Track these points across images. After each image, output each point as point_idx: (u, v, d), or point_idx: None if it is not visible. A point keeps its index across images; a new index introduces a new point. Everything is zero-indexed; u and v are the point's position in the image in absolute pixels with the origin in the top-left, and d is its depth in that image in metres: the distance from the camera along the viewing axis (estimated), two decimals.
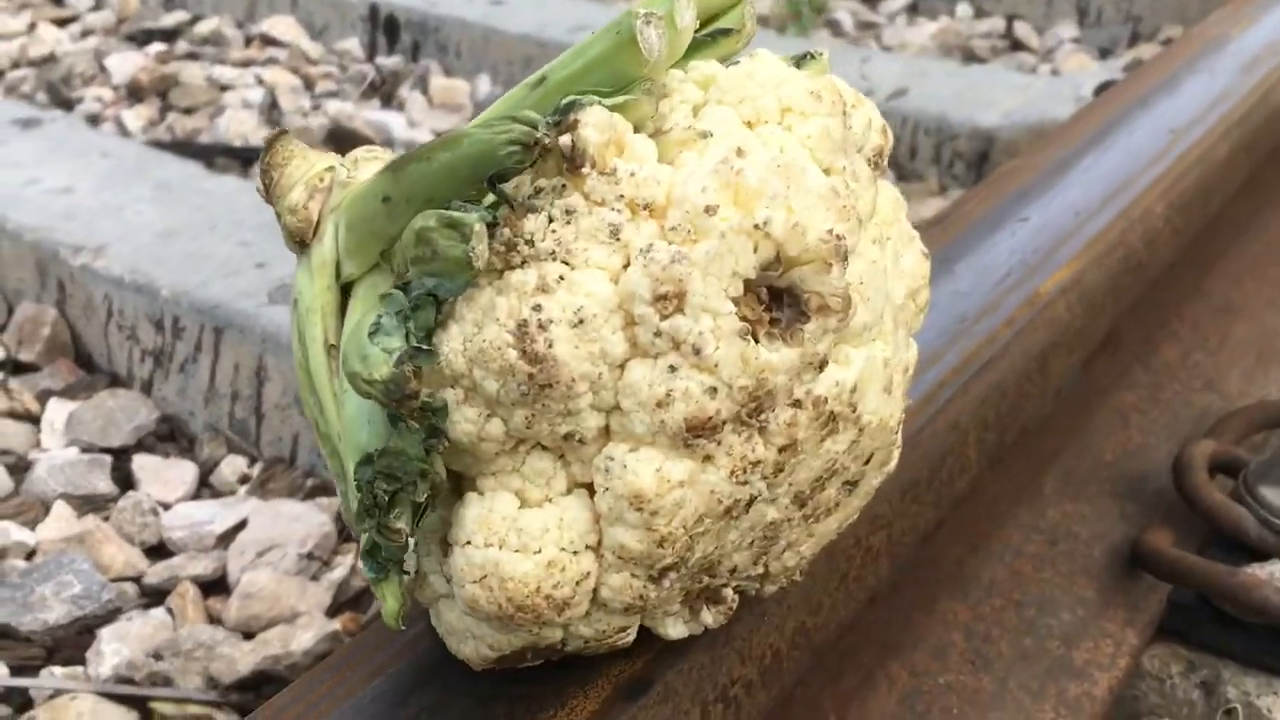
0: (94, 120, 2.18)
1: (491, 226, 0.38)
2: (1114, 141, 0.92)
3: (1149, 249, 0.85)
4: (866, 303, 0.42)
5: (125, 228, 1.57)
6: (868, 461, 0.45)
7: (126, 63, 2.34)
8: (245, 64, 2.42)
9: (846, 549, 0.56)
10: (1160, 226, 0.86)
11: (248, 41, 2.54)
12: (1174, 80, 1.03)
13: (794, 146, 0.43)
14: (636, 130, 0.42)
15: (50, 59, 2.41)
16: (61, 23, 2.66)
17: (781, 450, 0.40)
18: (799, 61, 0.52)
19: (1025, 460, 0.96)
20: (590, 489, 0.40)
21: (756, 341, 0.39)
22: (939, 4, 2.66)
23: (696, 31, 0.47)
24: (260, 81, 2.31)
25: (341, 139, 2.08)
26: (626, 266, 0.39)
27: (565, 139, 0.39)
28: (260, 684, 1.03)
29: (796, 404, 0.40)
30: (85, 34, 2.57)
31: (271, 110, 2.20)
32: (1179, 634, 0.92)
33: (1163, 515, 1.04)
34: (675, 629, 0.44)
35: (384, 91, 2.36)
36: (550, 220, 0.38)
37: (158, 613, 1.10)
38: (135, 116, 2.18)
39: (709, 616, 0.44)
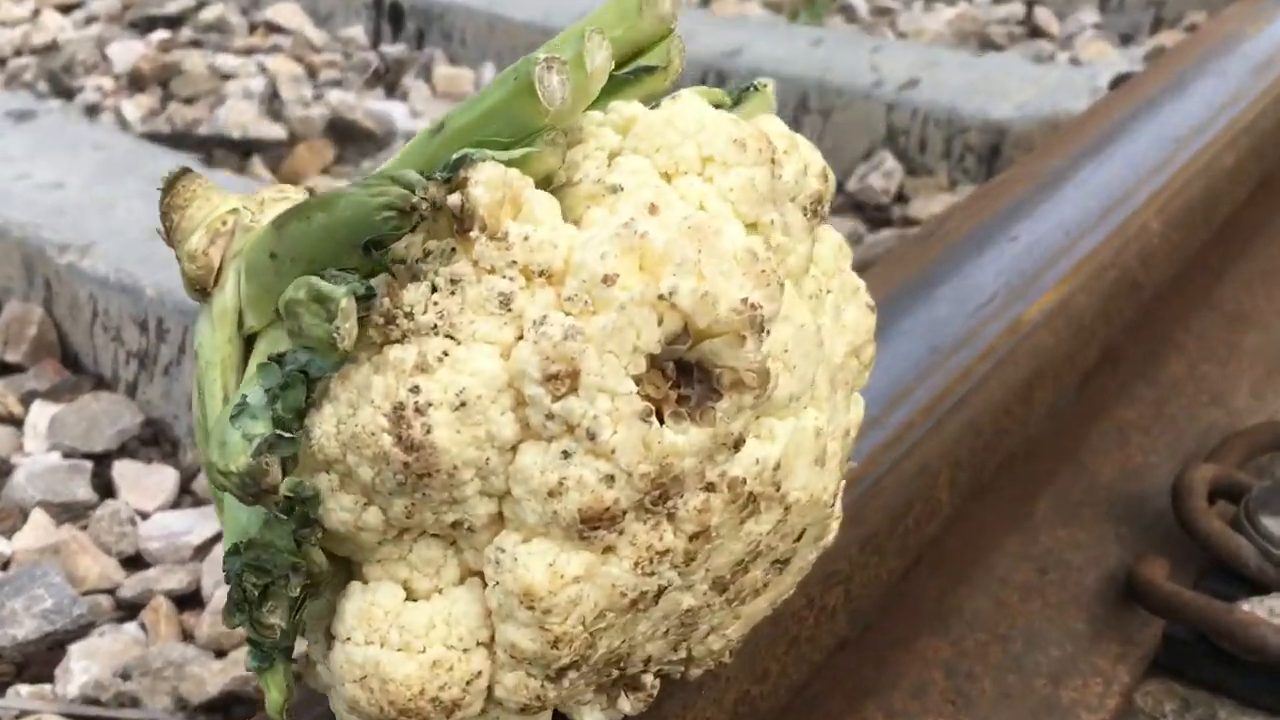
0: (93, 110, 2.16)
1: (367, 298, 0.35)
2: (1113, 151, 0.87)
3: (1144, 267, 0.80)
4: (793, 371, 0.39)
5: (114, 225, 1.55)
6: (799, 538, 0.41)
7: (128, 51, 2.32)
8: (248, 52, 2.39)
9: (797, 610, 0.53)
10: (1156, 244, 0.81)
11: (252, 28, 2.51)
12: (1181, 82, 0.99)
13: (715, 200, 0.39)
14: (545, 183, 0.39)
15: (52, 47, 2.39)
16: (66, 9, 2.64)
17: (693, 538, 0.36)
18: (740, 96, 0.48)
19: (1016, 484, 0.92)
20: (484, 578, 0.36)
21: (661, 422, 0.35)
22: None
23: (617, 69, 0.44)
24: (263, 70, 2.28)
25: (342, 130, 2.05)
26: (522, 338, 0.35)
27: (454, 198, 0.36)
28: (229, 704, 1.00)
29: (710, 487, 0.37)
30: (89, 21, 2.55)
31: (273, 100, 2.17)
32: (1174, 670, 0.88)
33: (1161, 540, 1.00)
34: (591, 717, 0.41)
35: (388, 80, 2.33)
36: (434, 290, 0.35)
37: (130, 628, 1.08)
38: (135, 106, 2.15)
39: (627, 704, 0.41)
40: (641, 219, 0.36)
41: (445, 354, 0.34)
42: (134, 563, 1.17)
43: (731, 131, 0.39)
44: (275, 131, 2.04)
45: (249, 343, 0.44)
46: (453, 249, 0.35)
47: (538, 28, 2.21)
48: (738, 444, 0.37)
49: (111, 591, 1.13)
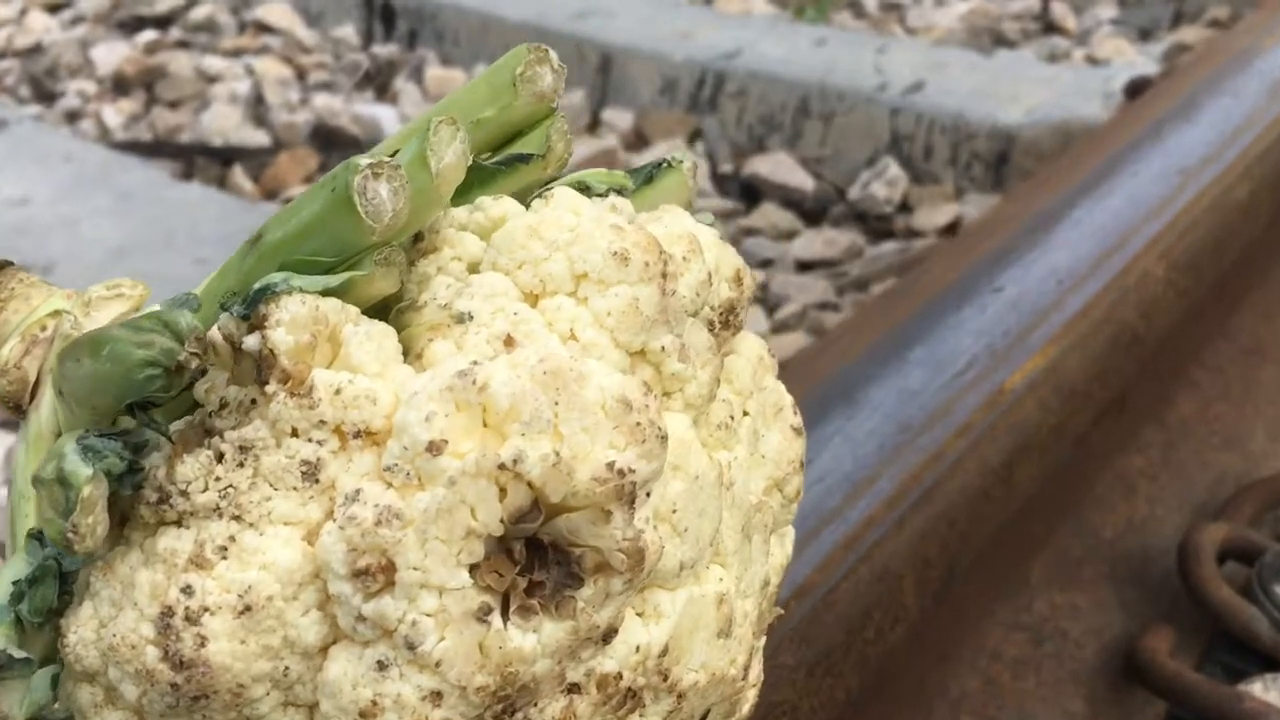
0: (73, 117, 2.10)
1: (133, 473, 0.28)
2: (1113, 186, 0.80)
3: (1145, 320, 0.73)
4: (684, 535, 0.32)
5: (78, 244, 1.49)
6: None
7: (112, 54, 2.26)
8: (236, 53, 2.33)
9: None
10: (1160, 293, 0.74)
11: (241, 28, 2.45)
12: (1191, 105, 0.91)
13: (589, 328, 0.32)
14: (384, 307, 0.32)
15: (36, 49, 2.33)
16: (54, 8, 2.58)
17: None
18: (653, 173, 0.41)
19: (1009, 546, 0.84)
20: None
21: (506, 619, 0.28)
22: None
23: (486, 158, 0.37)
24: (250, 73, 2.22)
25: (326, 137, 1.99)
26: (332, 515, 0.29)
27: (252, 340, 0.29)
28: None
29: (573, 689, 0.30)
30: (76, 21, 2.49)
31: (257, 105, 2.11)
32: None
33: (1168, 605, 0.92)
34: None
35: (379, 82, 2.26)
36: (220, 459, 0.28)
37: None
38: (116, 112, 2.09)
39: None
40: (483, 365, 0.29)
41: (230, 541, 0.27)
42: None
43: (610, 242, 0.32)
44: (258, 138, 1.98)
45: None
46: (253, 400, 0.29)
47: (532, 28, 2.14)
48: (608, 634, 0.30)
49: None
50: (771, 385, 0.39)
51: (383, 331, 0.31)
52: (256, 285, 0.30)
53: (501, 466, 0.28)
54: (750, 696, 0.37)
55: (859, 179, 1.80)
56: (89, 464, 0.27)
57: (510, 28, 2.17)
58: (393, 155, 0.32)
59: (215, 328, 0.30)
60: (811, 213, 1.77)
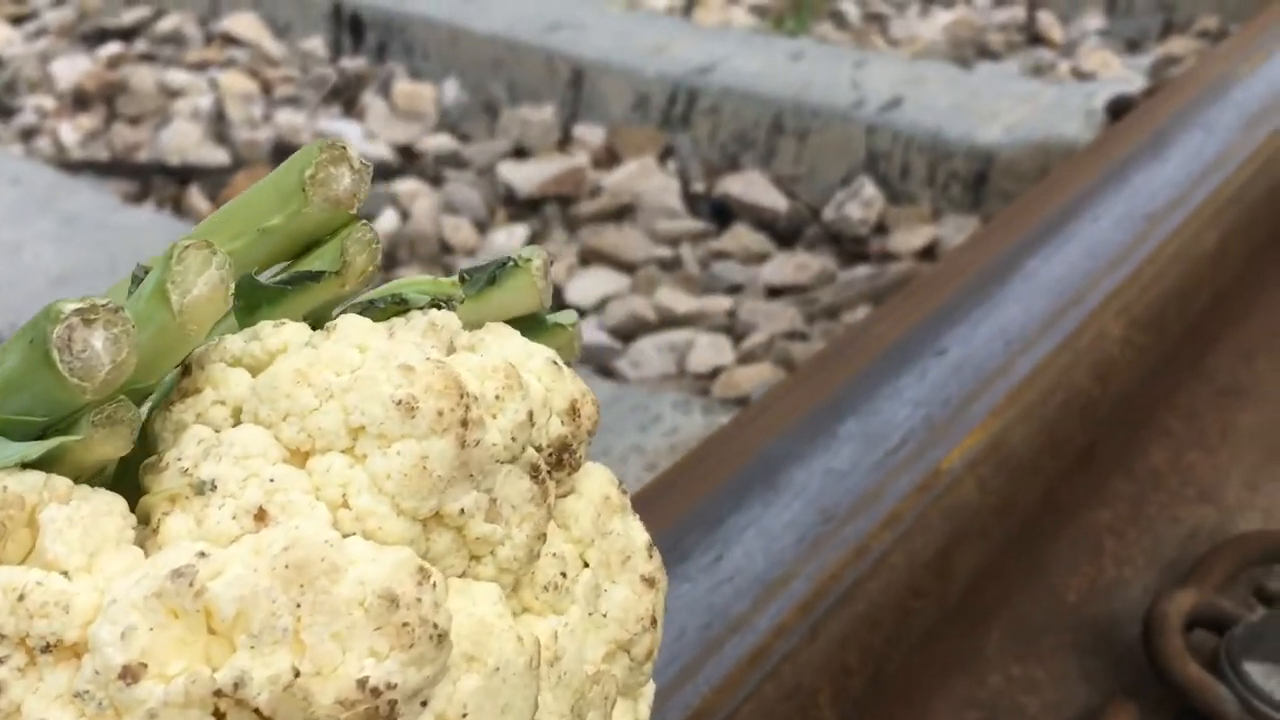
0: (29, 134, 2.05)
1: None
2: (1072, 232, 0.74)
3: (1100, 383, 0.67)
4: None
5: (19, 271, 1.44)
6: None
7: (73, 68, 2.20)
8: (201, 66, 2.27)
9: None
10: (1116, 353, 0.68)
11: (208, 40, 2.39)
12: (1161, 140, 0.85)
13: (364, 493, 0.27)
14: (126, 469, 0.27)
15: None
16: (18, 20, 2.53)
17: None
18: (495, 275, 0.35)
19: (965, 608, 0.79)
20: None
21: None
22: None
23: (277, 272, 0.32)
24: (215, 87, 2.16)
25: (287, 154, 1.93)
26: None
27: None
28: None
29: None
30: (39, 34, 2.43)
31: (219, 122, 2.06)
32: None
33: (1134, 676, 0.87)
34: None
35: (346, 96, 2.20)
36: None
37: None
38: (74, 129, 2.04)
39: None
40: (211, 558, 0.24)
41: None
42: None
43: (396, 387, 0.27)
44: (218, 157, 1.93)
45: None
46: None
47: (502, 40, 2.08)
48: None
49: None
50: (619, 529, 0.34)
51: (99, 509, 0.25)
52: None
53: (218, 693, 0.23)
54: None
55: (834, 199, 1.74)
56: None
57: (480, 40, 2.12)
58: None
59: None
60: (784, 234, 1.72)
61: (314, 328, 0.31)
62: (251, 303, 0.31)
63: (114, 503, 0.26)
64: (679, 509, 0.55)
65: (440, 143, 1.97)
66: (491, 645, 0.28)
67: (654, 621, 0.33)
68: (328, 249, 0.31)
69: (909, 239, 1.66)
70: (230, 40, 2.36)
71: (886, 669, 0.55)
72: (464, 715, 0.27)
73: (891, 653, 0.55)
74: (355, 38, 2.28)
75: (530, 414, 0.30)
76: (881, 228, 1.71)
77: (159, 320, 0.26)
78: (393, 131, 2.03)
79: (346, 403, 0.27)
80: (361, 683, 0.24)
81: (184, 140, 1.97)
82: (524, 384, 0.30)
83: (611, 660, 0.32)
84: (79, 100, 2.16)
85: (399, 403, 0.27)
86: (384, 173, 1.90)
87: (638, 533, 0.34)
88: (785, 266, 1.61)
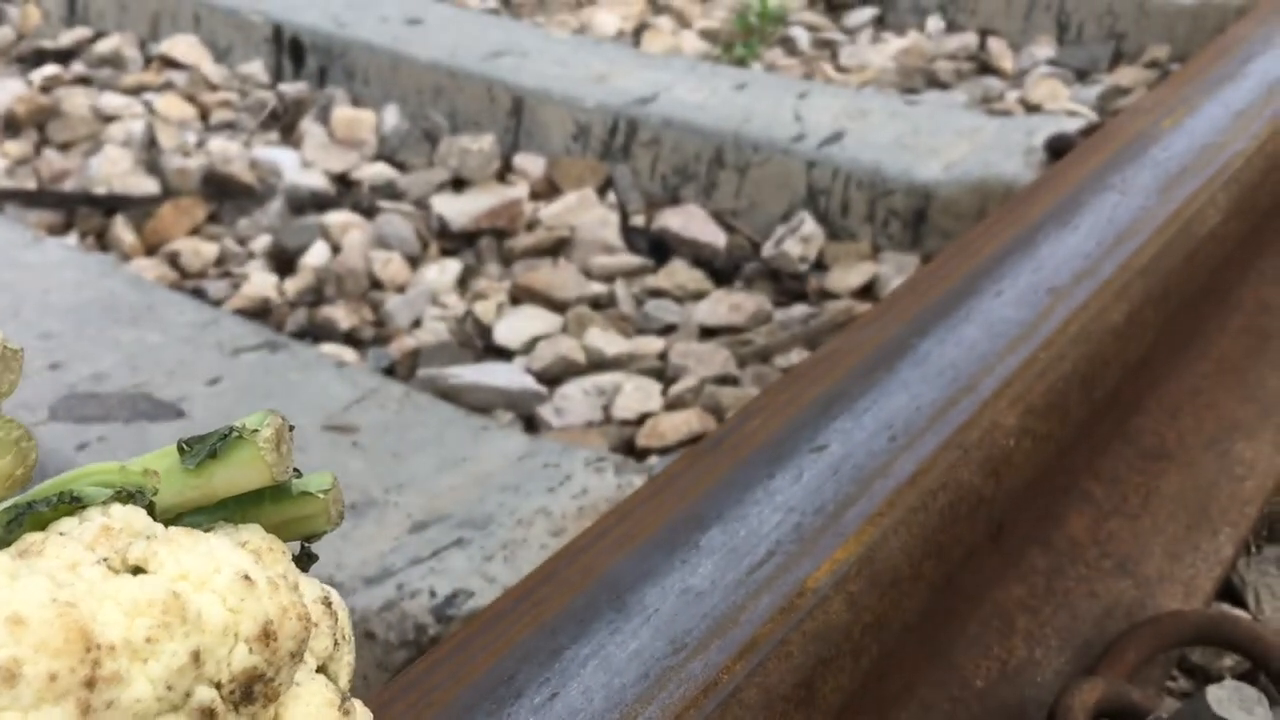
0: None
1: None
2: (969, 310, 0.70)
3: (993, 479, 0.63)
4: None
5: None
6: None
7: (4, 92, 2.15)
8: (138, 90, 2.22)
9: None
10: (1010, 446, 0.64)
11: (147, 63, 2.34)
12: (1072, 203, 0.81)
13: None
14: None
15: None
16: None
17: None
18: (215, 449, 0.31)
19: (864, 698, 0.75)
20: None
21: None
22: (909, 17, 2.42)
23: None
24: (151, 111, 2.11)
25: (218, 184, 1.89)
26: None
27: None
28: None
29: None
30: None
31: (150, 148, 2.00)
32: None
33: None
34: None
35: (285, 122, 2.16)
36: None
37: None
38: (2, 155, 1.99)
39: None
40: None
41: None
42: None
43: None
44: (146, 186, 1.88)
45: None
46: None
47: (443, 68, 2.04)
48: None
49: None
50: None
51: None
52: None
53: None
54: None
55: (774, 234, 1.70)
56: None
57: (421, 67, 2.08)
58: None
59: None
60: (723, 270, 1.68)
61: None
62: None
63: None
64: (516, 638, 0.51)
65: (377, 171, 1.92)
66: None
67: None
68: None
69: (847, 277, 1.62)
70: (169, 63, 2.31)
71: None
72: None
73: None
74: (296, 62, 2.23)
75: (195, 653, 0.26)
76: (821, 264, 1.67)
77: None
78: (329, 159, 1.99)
79: None
80: None
81: (113, 168, 1.92)
82: (189, 616, 0.26)
83: None
84: (9, 125, 2.11)
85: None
86: (318, 203, 1.85)
87: None
88: (720, 306, 1.57)
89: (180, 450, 0.31)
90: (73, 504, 0.28)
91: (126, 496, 0.29)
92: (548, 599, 0.52)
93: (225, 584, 0.28)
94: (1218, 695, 0.70)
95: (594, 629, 0.52)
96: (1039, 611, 0.91)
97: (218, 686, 0.27)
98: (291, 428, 0.33)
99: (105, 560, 0.26)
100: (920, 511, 0.59)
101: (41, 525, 0.27)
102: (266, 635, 0.27)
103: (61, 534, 0.27)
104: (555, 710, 0.48)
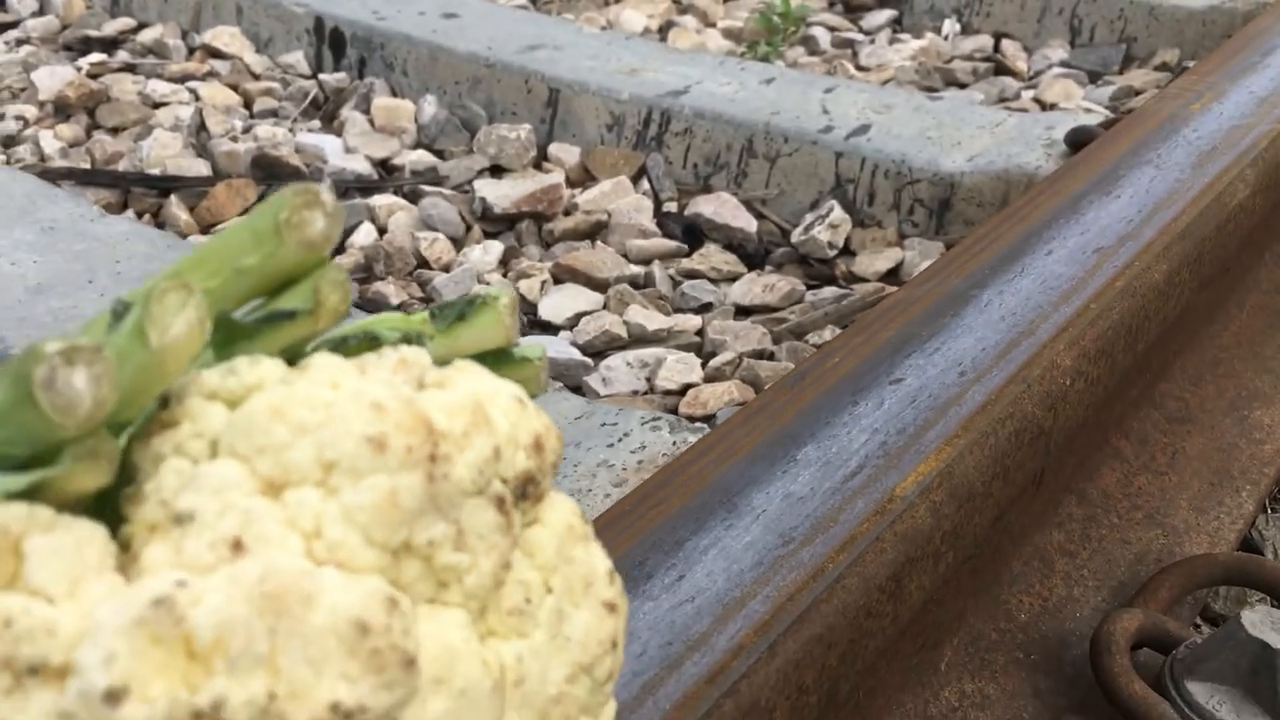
0: (10, 142, 2.06)
1: None
2: (1025, 266, 0.77)
3: (1052, 413, 0.70)
4: None
5: None
6: None
7: (55, 78, 2.21)
8: (183, 78, 2.28)
9: None
10: (1067, 384, 0.71)
11: (190, 53, 2.40)
12: (1112, 176, 0.88)
13: (337, 524, 0.29)
14: (103, 499, 0.29)
15: None
16: (1, 28, 2.53)
17: None
18: (464, 311, 0.37)
19: (918, 625, 0.81)
20: None
21: None
22: (925, 20, 2.49)
23: (252, 310, 0.33)
24: (196, 98, 2.17)
25: (267, 167, 1.95)
26: None
27: None
28: None
29: None
30: (21, 43, 2.44)
31: (199, 133, 2.07)
32: None
33: (1083, 694, 0.90)
34: None
35: (327, 110, 2.22)
36: None
37: None
38: (55, 138, 2.05)
39: None
40: (190, 586, 0.26)
41: None
42: None
43: (367, 424, 0.29)
44: (198, 168, 1.94)
45: None
46: None
47: (480, 60, 2.10)
48: None
49: None
50: (582, 556, 0.36)
51: (81, 538, 0.27)
52: None
53: (198, 714, 0.25)
54: None
55: (803, 221, 1.77)
56: None
57: (459, 59, 2.14)
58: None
59: None
60: (754, 256, 1.74)
61: (288, 364, 0.33)
62: (227, 338, 0.32)
63: (95, 532, 0.28)
64: (643, 530, 0.57)
65: (418, 157, 1.99)
66: (458, 668, 0.30)
67: (615, 644, 0.35)
68: (301, 288, 0.33)
69: (874, 262, 1.69)
70: (212, 53, 2.37)
71: (841, 687, 0.57)
72: None
73: (846, 671, 0.57)
74: (336, 53, 2.30)
75: (496, 449, 0.32)
76: (848, 250, 1.74)
77: (138, 358, 0.28)
78: (371, 146, 2.05)
79: (320, 439, 0.29)
80: (334, 705, 0.26)
81: (164, 151, 1.98)
82: (490, 420, 0.32)
83: (574, 681, 0.34)
84: (60, 109, 2.17)
85: (370, 439, 0.29)
86: (361, 187, 1.91)
87: (600, 560, 0.36)
88: (754, 287, 1.63)
89: (431, 315, 0.38)
90: (372, 342, 0.34)
91: (412, 339, 0.35)
92: (666, 499, 0.59)
93: (505, 403, 0.34)
94: (1252, 619, 0.77)
95: (710, 525, 0.58)
96: (1076, 555, 0.98)
97: (504, 482, 0.33)
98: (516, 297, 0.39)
99: (408, 383, 0.33)
100: (991, 436, 0.66)
101: (348, 357, 0.33)
102: (537, 446, 0.34)
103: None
104: (684, 589, 0.54)
